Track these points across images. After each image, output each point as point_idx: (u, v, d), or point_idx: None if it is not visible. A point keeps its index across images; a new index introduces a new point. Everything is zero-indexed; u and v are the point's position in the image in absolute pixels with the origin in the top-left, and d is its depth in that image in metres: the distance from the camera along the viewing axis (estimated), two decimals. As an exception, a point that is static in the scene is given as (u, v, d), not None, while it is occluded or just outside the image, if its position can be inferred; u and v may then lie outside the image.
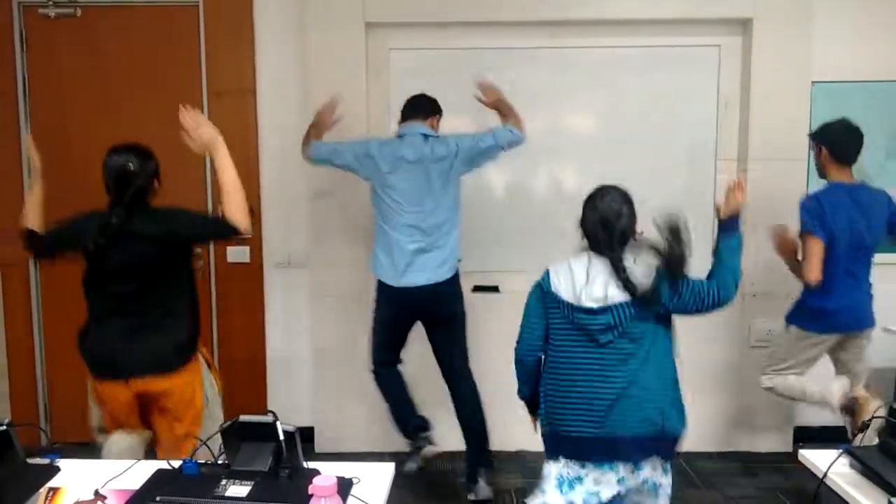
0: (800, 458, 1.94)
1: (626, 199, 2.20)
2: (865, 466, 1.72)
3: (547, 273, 2.19)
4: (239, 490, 1.58)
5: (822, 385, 3.00)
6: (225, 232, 2.43)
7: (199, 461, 1.73)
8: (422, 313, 3.08)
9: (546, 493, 2.12)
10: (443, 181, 2.98)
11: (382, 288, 3.06)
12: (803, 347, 3.04)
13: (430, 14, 3.52)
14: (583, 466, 2.09)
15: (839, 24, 3.55)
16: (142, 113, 3.63)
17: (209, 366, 2.55)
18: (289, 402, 3.72)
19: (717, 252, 2.26)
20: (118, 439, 2.37)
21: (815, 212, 2.88)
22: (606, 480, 2.07)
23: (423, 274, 2.96)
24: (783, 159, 3.49)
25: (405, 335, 3.16)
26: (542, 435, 2.21)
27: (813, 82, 3.56)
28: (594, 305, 2.07)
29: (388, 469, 1.80)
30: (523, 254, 3.57)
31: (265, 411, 1.69)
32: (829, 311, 2.94)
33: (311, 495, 1.41)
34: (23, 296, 3.74)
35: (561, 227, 3.45)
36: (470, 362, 3.13)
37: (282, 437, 1.65)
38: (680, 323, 3.78)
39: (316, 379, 3.72)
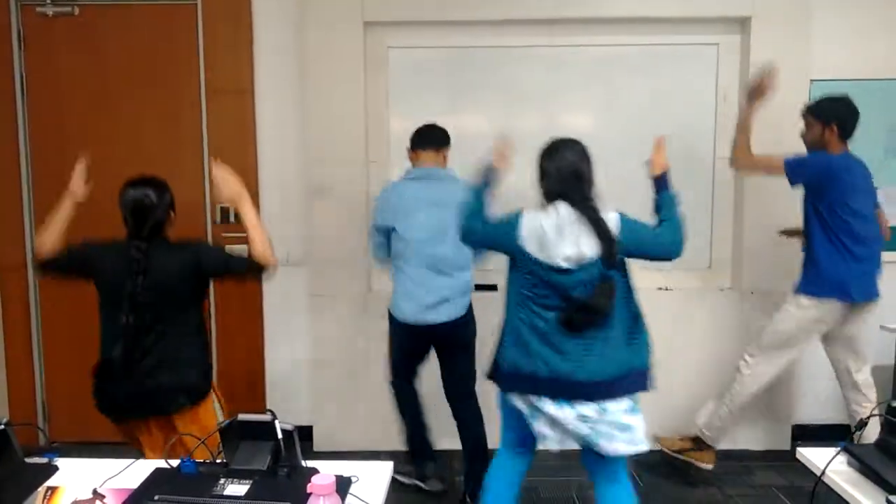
0: (798, 455, 1.94)
1: (585, 151, 2.24)
2: (863, 464, 1.73)
3: (519, 220, 2.18)
4: (237, 489, 1.58)
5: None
6: (252, 268, 2.43)
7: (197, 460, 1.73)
8: (439, 343, 3.09)
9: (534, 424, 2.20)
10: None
11: (395, 321, 3.06)
12: (809, 321, 3.03)
13: (428, 13, 3.52)
14: (539, 399, 2.15)
15: (838, 22, 3.56)
16: (140, 111, 3.63)
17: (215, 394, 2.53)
18: (287, 401, 3.72)
19: (657, 208, 2.33)
20: None
21: (815, 165, 2.98)
22: (564, 415, 2.12)
23: (445, 311, 2.95)
24: (781, 156, 3.48)
25: (423, 358, 3.17)
26: (503, 371, 2.23)
27: (811, 80, 3.56)
28: (566, 265, 2.09)
29: (386, 468, 1.80)
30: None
31: (263, 410, 1.69)
32: (842, 276, 2.97)
33: (310, 494, 1.41)
34: (21, 297, 3.73)
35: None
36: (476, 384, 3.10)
37: (280, 435, 1.65)
38: (677, 321, 3.80)
39: (314, 378, 3.72)
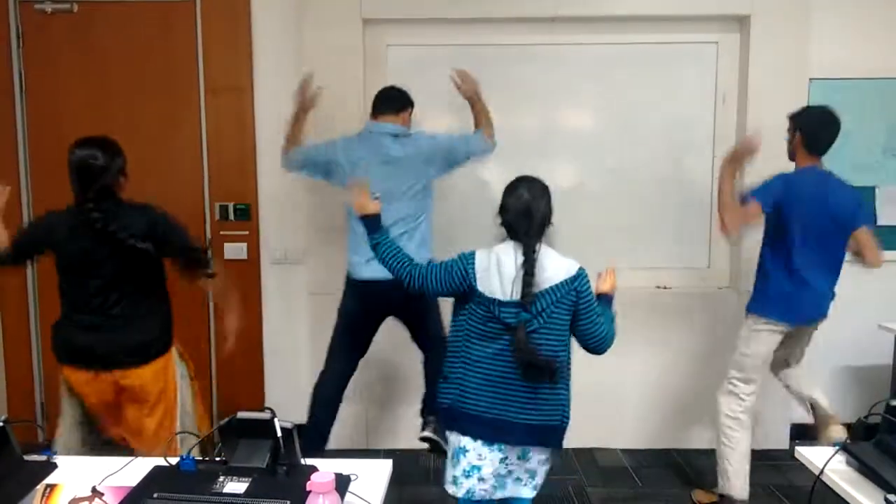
0: (796, 454, 1.94)
1: (545, 190, 2.24)
2: (861, 463, 1.73)
3: (473, 260, 2.17)
4: (236, 487, 1.58)
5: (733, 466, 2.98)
6: (197, 258, 2.46)
7: (195, 457, 1.73)
8: (388, 309, 3.07)
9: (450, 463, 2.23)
10: (410, 183, 2.94)
11: (349, 282, 3.07)
12: (759, 340, 2.95)
13: (427, 10, 3.52)
14: (473, 441, 2.15)
15: (837, 21, 3.56)
16: (139, 109, 3.63)
17: (182, 358, 2.58)
18: (287, 399, 3.71)
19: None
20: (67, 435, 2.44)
21: (774, 188, 2.83)
22: (491, 458, 2.14)
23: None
24: (780, 156, 3.48)
25: (369, 337, 3.13)
26: (443, 407, 2.22)
27: (810, 79, 3.57)
28: (513, 299, 2.10)
29: (385, 466, 1.80)
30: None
31: (263, 408, 1.69)
32: (787, 296, 2.88)
33: (309, 492, 1.41)
34: (19, 293, 3.73)
35: (558, 224, 3.46)
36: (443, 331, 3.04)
37: (279, 433, 1.65)
38: (675, 320, 3.80)
39: (314, 376, 3.71)
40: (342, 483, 1.58)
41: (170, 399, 2.47)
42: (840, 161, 3.65)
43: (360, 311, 3.07)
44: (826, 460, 1.76)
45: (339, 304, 3.14)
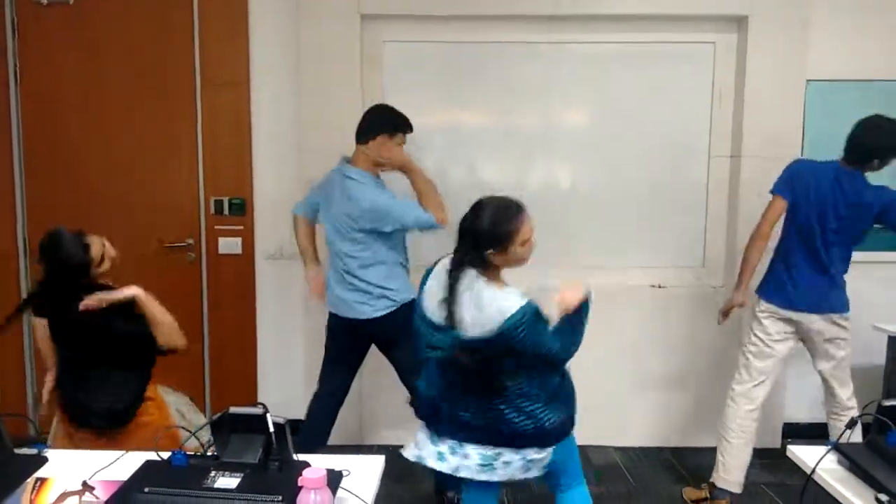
0: (788, 454, 1.94)
1: (502, 213, 2.04)
2: (853, 463, 1.73)
3: (428, 275, 2.17)
4: (228, 482, 1.58)
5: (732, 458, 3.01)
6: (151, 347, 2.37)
7: (188, 452, 1.72)
8: (368, 341, 3.05)
9: (419, 443, 2.20)
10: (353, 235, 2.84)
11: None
12: (765, 330, 2.98)
13: (425, 7, 3.51)
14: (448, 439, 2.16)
15: (834, 22, 3.56)
16: (135, 102, 3.61)
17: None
18: (280, 395, 3.72)
19: (564, 322, 2.10)
20: None
21: (789, 176, 2.90)
22: (472, 448, 2.13)
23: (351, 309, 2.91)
24: (776, 157, 3.49)
25: (360, 358, 3.11)
26: (420, 402, 2.22)
27: (807, 80, 3.57)
28: (439, 322, 2.06)
29: (377, 462, 1.80)
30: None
31: (255, 403, 1.69)
32: (786, 283, 2.92)
33: (301, 487, 1.41)
34: (12, 286, 3.71)
35: (554, 222, 3.48)
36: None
37: (272, 429, 1.65)
38: (669, 318, 3.80)
39: (308, 372, 3.71)
40: (334, 478, 1.58)
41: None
42: (836, 162, 3.66)
43: (340, 335, 3.04)
44: (818, 460, 1.76)
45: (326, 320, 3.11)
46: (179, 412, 2.50)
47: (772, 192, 2.93)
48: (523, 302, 1.96)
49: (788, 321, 2.96)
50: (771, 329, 2.97)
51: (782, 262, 2.95)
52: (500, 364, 2.03)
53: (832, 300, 2.91)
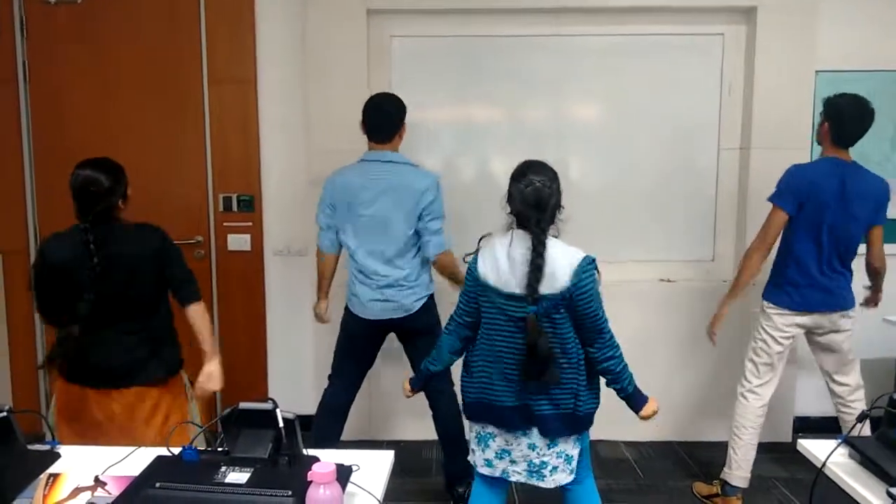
0: (798, 447, 1.93)
1: (554, 176, 2.17)
2: (864, 456, 1.72)
3: (476, 263, 2.18)
4: (238, 477, 1.58)
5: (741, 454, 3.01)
6: (191, 288, 2.41)
7: (197, 447, 1.73)
8: (390, 332, 3.04)
9: (474, 451, 2.26)
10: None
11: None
12: (773, 333, 2.96)
13: (432, 1, 3.51)
14: (498, 429, 2.19)
15: (843, 13, 3.53)
16: (142, 100, 3.63)
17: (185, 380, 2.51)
18: (290, 390, 3.73)
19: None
20: None
21: (792, 188, 2.81)
22: (517, 442, 2.17)
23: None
24: (786, 148, 3.47)
25: (374, 352, 3.09)
26: (467, 402, 2.24)
27: (817, 71, 3.54)
28: (521, 292, 2.07)
29: (387, 457, 1.80)
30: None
31: (265, 399, 1.69)
32: (800, 285, 2.88)
33: (311, 482, 1.41)
34: (24, 282, 3.72)
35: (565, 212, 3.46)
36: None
37: (281, 424, 1.65)
38: (679, 313, 3.79)
39: (317, 367, 3.72)
40: (344, 473, 1.59)
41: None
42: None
43: (361, 335, 3.02)
44: (828, 453, 1.75)
45: (342, 316, 3.09)
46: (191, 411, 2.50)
47: (773, 202, 2.85)
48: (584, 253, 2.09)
49: (799, 321, 2.94)
50: (782, 327, 2.95)
51: (794, 264, 2.88)
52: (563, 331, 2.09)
53: (845, 298, 2.91)
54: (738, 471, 3.02)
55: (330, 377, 3.09)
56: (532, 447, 2.17)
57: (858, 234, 2.87)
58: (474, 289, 2.18)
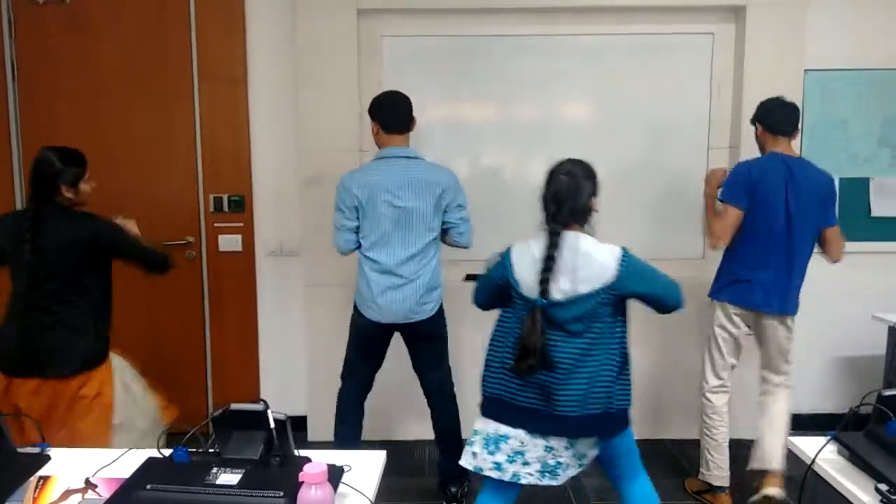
0: (788, 444, 1.94)
1: (587, 174, 2.18)
2: (853, 453, 1.74)
3: (510, 256, 2.17)
4: (230, 478, 1.58)
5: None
6: (157, 266, 2.52)
7: (189, 449, 1.73)
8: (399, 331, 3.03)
9: (476, 454, 2.18)
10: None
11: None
12: (721, 330, 2.99)
13: (423, 1, 3.50)
14: (514, 430, 2.13)
15: (833, 12, 3.55)
16: (132, 99, 3.61)
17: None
18: (282, 391, 3.73)
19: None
20: None
21: (740, 183, 2.83)
22: (533, 444, 2.12)
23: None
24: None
25: (384, 349, 3.08)
26: (486, 397, 2.21)
27: (806, 70, 3.56)
28: (561, 298, 2.06)
29: (379, 457, 1.80)
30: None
31: (256, 400, 1.69)
32: (747, 281, 2.89)
33: (302, 483, 1.41)
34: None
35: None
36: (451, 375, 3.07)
37: (273, 425, 1.65)
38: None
39: (309, 368, 3.72)
40: (335, 474, 1.58)
41: (104, 405, 2.44)
42: (835, 152, 3.67)
43: (376, 335, 3.00)
44: (818, 450, 1.76)
45: (351, 317, 3.07)
46: (124, 384, 2.50)
47: (724, 201, 2.86)
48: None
49: (748, 316, 2.96)
50: (736, 321, 2.97)
51: (743, 263, 2.90)
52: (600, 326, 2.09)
53: (790, 303, 2.91)
54: (719, 471, 3.04)
55: (343, 378, 3.09)
56: (548, 449, 2.13)
57: (810, 229, 2.85)
58: (501, 279, 2.17)
